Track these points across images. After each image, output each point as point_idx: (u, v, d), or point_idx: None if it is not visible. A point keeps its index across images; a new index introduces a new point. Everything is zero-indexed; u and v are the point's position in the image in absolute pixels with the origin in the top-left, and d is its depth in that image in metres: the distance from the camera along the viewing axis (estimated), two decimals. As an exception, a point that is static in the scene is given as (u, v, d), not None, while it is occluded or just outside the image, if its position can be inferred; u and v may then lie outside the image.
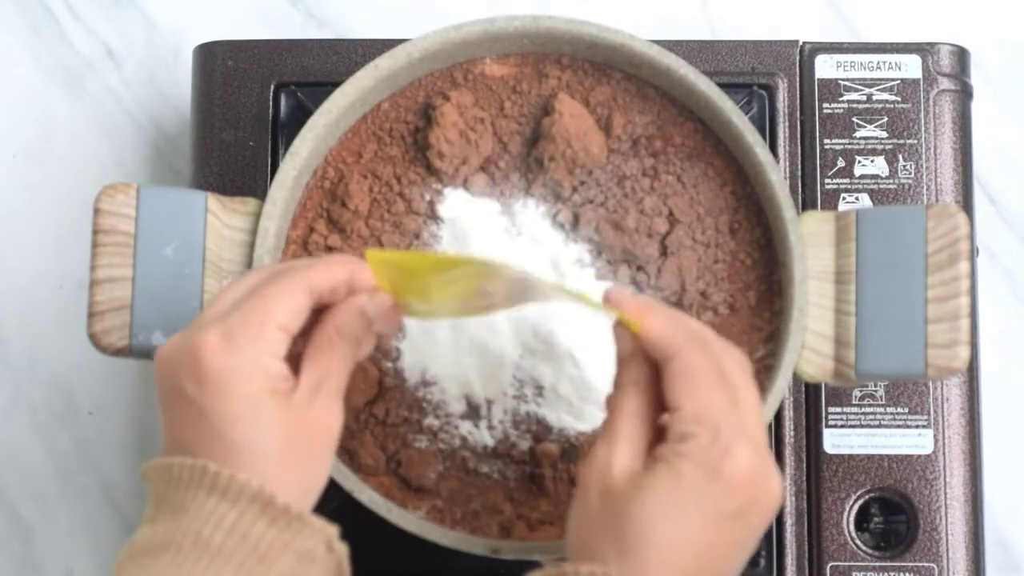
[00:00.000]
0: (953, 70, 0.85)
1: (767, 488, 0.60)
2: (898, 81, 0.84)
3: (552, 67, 0.78)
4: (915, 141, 0.84)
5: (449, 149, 0.76)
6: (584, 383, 0.74)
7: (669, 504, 0.58)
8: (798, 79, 0.85)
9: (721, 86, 0.76)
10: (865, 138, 0.84)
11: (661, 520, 0.58)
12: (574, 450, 0.75)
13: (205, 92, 0.86)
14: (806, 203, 0.84)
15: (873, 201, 0.84)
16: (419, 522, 0.72)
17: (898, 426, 0.82)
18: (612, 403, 0.62)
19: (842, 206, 0.83)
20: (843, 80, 0.84)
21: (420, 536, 0.72)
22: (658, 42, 0.76)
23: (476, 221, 0.77)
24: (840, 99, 0.84)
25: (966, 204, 0.84)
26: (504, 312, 0.74)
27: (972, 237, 0.75)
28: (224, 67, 0.85)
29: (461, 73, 0.78)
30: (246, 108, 0.85)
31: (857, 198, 0.84)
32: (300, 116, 0.81)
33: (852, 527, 0.81)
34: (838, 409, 0.82)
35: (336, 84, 0.76)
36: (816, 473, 0.81)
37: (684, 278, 0.76)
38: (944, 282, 0.71)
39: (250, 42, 0.86)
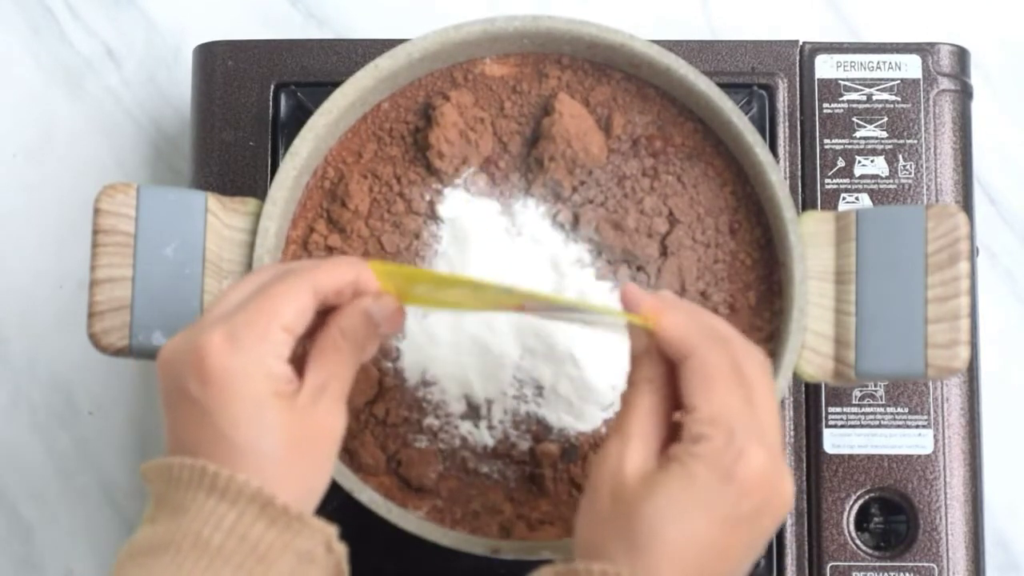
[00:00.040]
0: (953, 70, 0.85)
1: (780, 491, 0.60)
2: (898, 81, 0.84)
3: (552, 67, 0.78)
4: (915, 141, 0.84)
5: (449, 149, 0.76)
6: (584, 383, 0.74)
7: (680, 504, 0.58)
8: (798, 79, 0.85)
9: (721, 86, 0.76)
10: (865, 138, 0.84)
11: (672, 520, 0.58)
12: (574, 450, 0.75)
13: (205, 92, 0.86)
14: (806, 203, 0.84)
15: (873, 201, 0.84)
16: (419, 522, 0.72)
17: (898, 426, 0.82)
18: (626, 400, 0.62)
19: (842, 206, 0.83)
20: (843, 80, 0.84)
21: (420, 536, 0.72)
22: (658, 42, 0.76)
23: (476, 221, 0.77)
24: (840, 99, 0.84)
25: (966, 204, 0.84)
26: (511, 314, 0.74)
27: (972, 237, 0.75)
28: (224, 67, 0.85)
29: (461, 73, 0.78)
30: (246, 108, 0.85)
31: (857, 198, 0.84)
32: (300, 116, 0.81)
33: (852, 527, 0.81)
34: (838, 409, 0.82)
35: (336, 84, 0.76)
36: (816, 473, 0.81)
37: (684, 278, 0.76)
38: (944, 282, 0.71)
39: (250, 42, 0.86)
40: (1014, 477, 0.90)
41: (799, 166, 0.84)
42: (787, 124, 0.84)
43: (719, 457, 0.58)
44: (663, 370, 0.62)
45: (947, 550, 0.81)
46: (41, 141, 0.96)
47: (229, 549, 0.58)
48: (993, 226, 0.94)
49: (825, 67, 0.85)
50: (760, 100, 0.84)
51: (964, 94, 0.85)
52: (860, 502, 0.81)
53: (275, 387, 0.60)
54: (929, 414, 0.82)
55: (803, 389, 0.82)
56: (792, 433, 0.82)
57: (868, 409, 0.82)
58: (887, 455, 0.81)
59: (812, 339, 0.73)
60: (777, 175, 0.75)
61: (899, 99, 0.84)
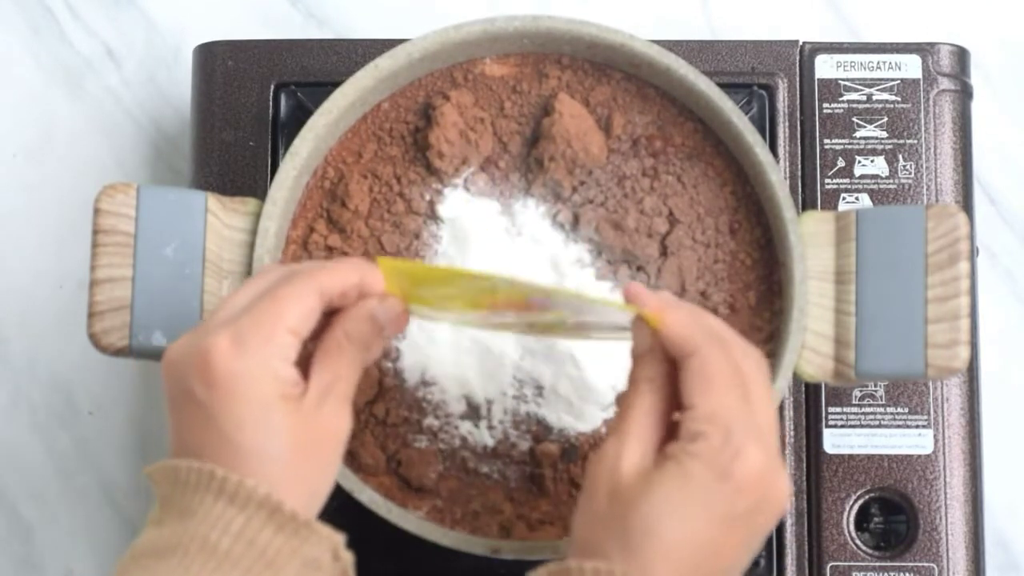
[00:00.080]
0: (953, 70, 0.85)
1: (776, 490, 0.60)
2: (898, 81, 0.84)
3: (552, 67, 0.78)
4: (915, 141, 0.84)
5: (449, 149, 0.76)
6: (584, 383, 0.74)
7: (676, 503, 0.58)
8: (798, 79, 0.85)
9: (721, 86, 0.76)
10: (865, 138, 0.84)
11: (667, 518, 0.58)
12: (574, 450, 0.75)
13: (205, 92, 0.86)
14: (806, 203, 0.84)
15: (873, 201, 0.84)
16: (419, 522, 0.72)
17: (898, 426, 0.82)
18: (625, 399, 0.62)
19: (842, 206, 0.83)
20: (843, 80, 0.84)
21: (420, 536, 0.72)
22: (658, 42, 0.76)
23: (476, 221, 0.77)
24: (840, 99, 0.84)
25: (966, 204, 0.84)
26: (516, 335, 0.74)
27: (972, 237, 0.75)
28: (224, 67, 0.85)
29: (461, 73, 0.78)
30: (246, 108, 0.85)
31: (857, 198, 0.84)
32: (300, 116, 0.81)
33: (852, 527, 0.81)
34: (838, 409, 0.82)
35: (336, 84, 0.76)
36: (816, 473, 0.81)
37: (684, 278, 0.76)
38: (944, 282, 0.71)
39: (250, 42, 0.86)
40: (1014, 477, 0.90)
41: (799, 166, 0.84)
42: (787, 124, 0.84)
43: (716, 456, 0.58)
44: (664, 369, 0.62)
45: (947, 550, 0.81)
46: (41, 141, 0.96)
47: (237, 554, 0.58)
48: (993, 226, 0.94)
49: (825, 67, 0.85)
50: (760, 100, 0.84)
51: (964, 94, 0.85)
52: (860, 502, 0.81)
53: (281, 390, 0.60)
54: (929, 414, 0.82)
55: (803, 389, 0.82)
56: (792, 433, 0.82)
57: (868, 409, 0.82)
58: (887, 455, 0.81)
59: (812, 339, 0.73)
60: (777, 175, 0.75)
61: (899, 99, 0.84)
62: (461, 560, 0.73)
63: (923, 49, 0.85)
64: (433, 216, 0.77)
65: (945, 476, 0.81)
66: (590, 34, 0.76)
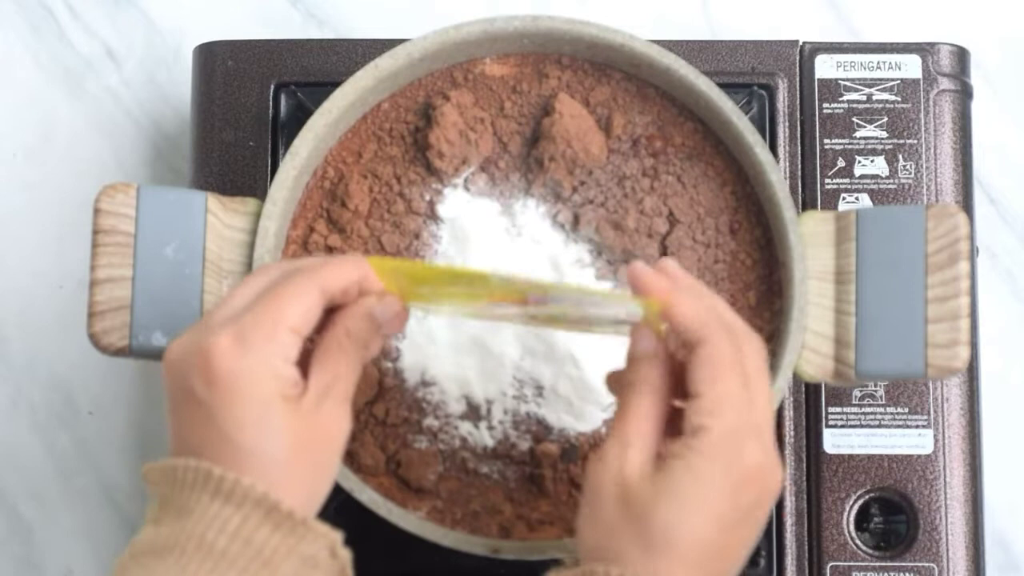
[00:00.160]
0: (953, 70, 0.85)
1: (774, 482, 0.61)
2: (898, 81, 0.84)
3: (552, 67, 0.78)
4: (915, 141, 0.84)
5: (449, 149, 0.76)
6: (584, 383, 0.74)
7: (688, 502, 0.58)
8: (798, 79, 0.85)
9: (721, 86, 0.76)
10: (865, 138, 0.84)
11: (682, 518, 0.58)
12: (574, 450, 0.75)
13: (205, 92, 0.86)
14: (806, 203, 0.84)
15: (873, 201, 0.84)
16: (419, 522, 0.72)
17: (898, 426, 0.82)
18: (623, 402, 0.62)
19: (842, 206, 0.83)
20: (843, 80, 0.84)
21: (420, 536, 0.72)
22: (658, 42, 0.76)
23: (476, 221, 0.77)
24: (840, 99, 0.84)
25: (966, 204, 0.84)
26: (516, 329, 0.74)
27: (972, 237, 0.75)
28: (224, 67, 0.85)
29: (461, 73, 0.78)
30: (246, 108, 0.85)
31: (857, 198, 0.84)
32: (300, 116, 0.81)
33: (852, 527, 0.81)
34: (838, 409, 0.82)
35: (336, 84, 0.76)
36: (816, 473, 0.81)
37: (684, 278, 0.76)
38: (944, 282, 0.71)
39: (250, 42, 0.86)
40: (1014, 477, 0.90)
41: (799, 166, 0.84)
42: (787, 124, 0.84)
43: (719, 451, 0.59)
44: (663, 371, 0.62)
45: (947, 550, 0.81)
46: (41, 141, 0.96)
47: (234, 553, 0.58)
48: (993, 226, 0.94)
49: (825, 67, 0.85)
50: (760, 100, 0.84)
51: (964, 94, 0.85)
52: (860, 502, 0.81)
53: (282, 390, 0.60)
54: (929, 414, 0.82)
55: (803, 389, 0.82)
56: (792, 433, 0.82)
57: (868, 409, 0.82)
58: (887, 455, 0.81)
59: (812, 339, 0.73)
60: (777, 175, 0.75)
61: (899, 99, 0.84)
62: (461, 560, 0.73)
63: (923, 49, 0.85)
64: (433, 216, 0.77)
65: (945, 476, 0.81)
66: (590, 34, 0.76)
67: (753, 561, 0.81)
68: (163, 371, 0.62)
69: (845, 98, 0.84)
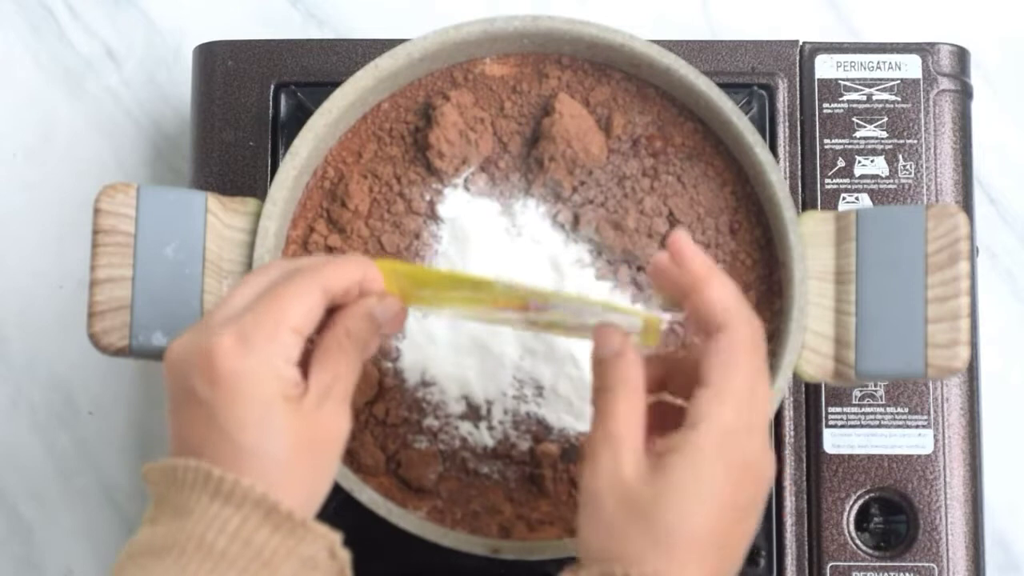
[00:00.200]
0: (953, 70, 0.85)
1: (769, 470, 0.61)
2: (898, 81, 0.84)
3: (552, 67, 0.78)
4: (915, 141, 0.84)
5: (449, 149, 0.76)
6: (584, 383, 0.74)
7: (693, 499, 0.58)
8: (798, 79, 0.85)
9: (721, 86, 0.76)
10: (865, 138, 0.84)
11: (688, 515, 0.58)
12: (574, 450, 0.75)
13: (205, 92, 0.86)
14: (806, 203, 0.84)
15: (873, 201, 0.84)
16: (419, 522, 0.72)
17: (898, 426, 0.82)
18: (603, 404, 0.62)
19: (842, 206, 0.83)
20: (843, 80, 0.84)
21: (420, 536, 0.72)
22: (658, 42, 0.76)
23: (476, 221, 0.77)
24: (840, 99, 0.84)
25: (966, 204, 0.84)
26: (516, 332, 0.74)
27: (972, 237, 0.75)
28: (224, 67, 0.85)
29: (461, 73, 0.78)
30: (246, 108, 0.85)
31: (857, 198, 0.84)
32: (300, 116, 0.81)
33: (852, 527, 0.81)
34: (838, 409, 0.82)
35: (336, 84, 0.76)
36: (816, 473, 0.81)
37: (684, 278, 0.76)
38: (944, 282, 0.71)
39: (250, 42, 0.86)
40: (1014, 477, 0.90)
41: (799, 166, 0.84)
42: (787, 124, 0.84)
43: (720, 447, 0.59)
44: (640, 370, 0.62)
45: (947, 550, 0.81)
46: (41, 141, 0.96)
47: (233, 553, 0.58)
48: (993, 226, 0.94)
49: (825, 67, 0.85)
50: (760, 100, 0.84)
51: (964, 94, 0.85)
52: (860, 502, 0.81)
53: (283, 390, 0.60)
54: (929, 414, 0.82)
55: (803, 389, 0.82)
56: (792, 433, 0.82)
57: (868, 409, 0.82)
58: (887, 455, 0.81)
59: (812, 339, 0.73)
60: (777, 175, 0.75)
61: (899, 99, 0.84)
62: (461, 560, 0.73)
63: (923, 49, 0.85)
64: (433, 216, 0.77)
65: (945, 476, 0.81)
66: (590, 34, 0.76)
67: (753, 561, 0.81)
68: (164, 371, 0.62)
69: (845, 98, 0.84)
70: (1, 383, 0.93)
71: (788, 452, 0.81)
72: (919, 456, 0.81)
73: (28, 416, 0.93)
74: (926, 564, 0.81)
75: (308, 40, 0.88)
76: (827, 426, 0.82)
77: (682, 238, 0.62)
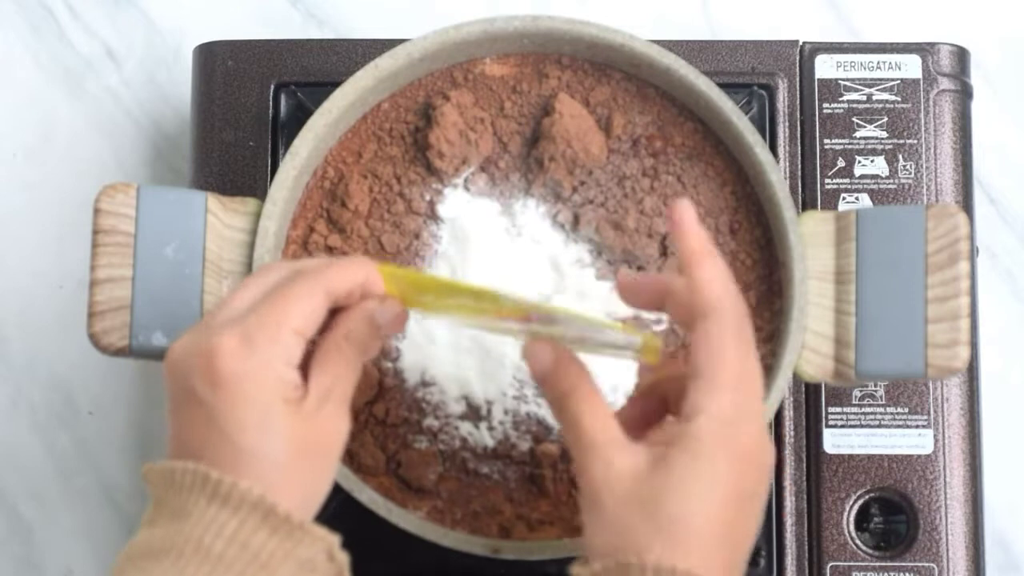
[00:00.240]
0: (953, 70, 0.85)
1: (769, 459, 0.61)
2: (898, 81, 0.84)
3: (552, 67, 0.78)
4: (915, 141, 0.84)
5: (449, 149, 0.76)
6: (584, 383, 0.74)
7: (696, 490, 0.58)
8: (798, 79, 0.85)
9: (721, 86, 0.76)
10: (865, 138, 0.84)
11: (693, 507, 0.58)
12: (574, 450, 0.75)
13: (205, 92, 0.86)
14: (806, 203, 0.84)
15: (873, 201, 0.84)
16: (419, 522, 0.72)
17: (898, 426, 0.82)
18: (564, 417, 0.62)
19: (842, 206, 0.83)
20: (843, 80, 0.84)
21: (420, 536, 0.72)
22: (658, 42, 0.76)
23: (476, 221, 0.77)
24: (840, 99, 0.84)
25: (966, 204, 0.84)
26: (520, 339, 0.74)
27: (972, 237, 0.75)
28: (224, 67, 0.85)
29: (461, 73, 0.78)
30: (246, 108, 0.85)
31: (857, 198, 0.84)
32: (300, 116, 0.81)
33: (852, 527, 0.81)
34: (838, 409, 0.82)
35: (336, 84, 0.76)
36: (816, 473, 0.81)
37: (684, 278, 0.76)
38: (944, 282, 0.71)
39: (250, 42, 0.86)
40: (1014, 477, 0.90)
41: (799, 166, 0.84)
42: (787, 124, 0.84)
43: (719, 437, 0.59)
44: (580, 367, 0.62)
45: (947, 550, 0.81)
46: (41, 141, 0.96)
47: (231, 557, 0.58)
48: (993, 226, 0.94)
49: (825, 67, 0.85)
50: (760, 100, 0.84)
51: (964, 94, 0.85)
52: (860, 502, 0.81)
53: (284, 393, 0.60)
54: (929, 414, 0.82)
55: (803, 389, 0.82)
56: (792, 433, 0.82)
57: (868, 409, 0.82)
58: (887, 455, 0.81)
59: (812, 339, 0.73)
60: (777, 175, 0.75)
61: (899, 99, 0.84)
62: (461, 560, 0.73)
63: (923, 49, 0.85)
64: (433, 216, 0.77)
65: (945, 476, 0.81)
66: (590, 34, 0.76)
67: (753, 561, 0.81)
68: (165, 371, 0.62)
69: (845, 98, 0.84)
70: (1, 383, 0.93)
71: (788, 452, 0.81)
72: (919, 456, 0.81)
73: (28, 416, 0.93)
74: (926, 564, 0.81)
75: (308, 40, 0.88)
76: (827, 426, 0.82)
77: (684, 208, 0.61)
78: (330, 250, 0.76)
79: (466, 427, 0.75)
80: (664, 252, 0.76)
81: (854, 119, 0.84)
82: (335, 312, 0.64)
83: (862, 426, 0.82)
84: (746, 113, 0.80)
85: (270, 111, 0.84)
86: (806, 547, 0.81)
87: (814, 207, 0.83)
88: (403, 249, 0.76)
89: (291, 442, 0.60)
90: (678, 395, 0.62)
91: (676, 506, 0.58)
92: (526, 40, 0.77)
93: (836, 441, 0.82)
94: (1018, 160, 0.95)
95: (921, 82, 0.84)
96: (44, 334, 0.93)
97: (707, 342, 0.60)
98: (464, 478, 0.75)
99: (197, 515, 0.58)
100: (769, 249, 0.76)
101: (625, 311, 0.73)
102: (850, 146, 0.84)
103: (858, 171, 0.84)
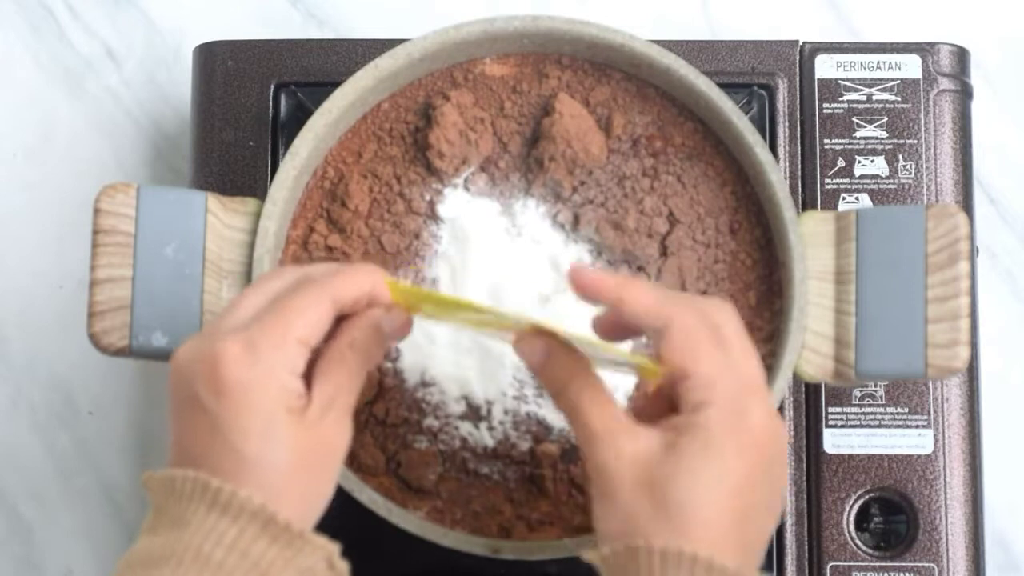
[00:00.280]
0: (953, 70, 0.85)
1: (782, 437, 0.61)
2: (898, 81, 0.84)
3: (552, 67, 0.78)
4: (915, 141, 0.84)
5: (449, 149, 0.76)
6: (584, 383, 0.74)
7: (704, 477, 0.58)
8: (798, 79, 0.85)
9: (721, 86, 0.76)
10: (865, 138, 0.84)
11: (701, 495, 0.58)
12: (574, 450, 0.75)
13: (205, 92, 0.86)
14: (806, 203, 0.84)
15: (873, 201, 0.84)
16: (419, 522, 0.72)
17: (898, 426, 0.82)
18: (566, 407, 0.62)
19: (842, 206, 0.83)
20: (843, 80, 0.84)
21: (420, 536, 0.72)
22: (658, 42, 0.76)
23: (476, 221, 0.77)
24: (840, 99, 0.84)
25: (966, 204, 0.84)
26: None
27: (972, 237, 0.75)
28: (224, 67, 0.85)
29: (461, 73, 0.78)
30: (246, 108, 0.85)
31: (857, 198, 0.84)
32: (300, 116, 0.81)
33: (852, 527, 0.81)
34: (838, 409, 0.82)
35: (336, 84, 0.76)
36: (816, 473, 0.81)
37: (684, 278, 0.76)
38: (944, 282, 0.71)
39: (250, 42, 0.86)
40: (1014, 477, 0.90)
41: (799, 166, 0.84)
42: (787, 124, 0.84)
43: (725, 421, 0.59)
44: (576, 356, 0.62)
45: (947, 550, 0.81)
46: (41, 141, 0.96)
47: (230, 565, 0.57)
48: (993, 226, 0.94)
49: (825, 67, 0.85)
50: (760, 100, 0.84)
51: (964, 94, 0.85)
52: (860, 502, 0.81)
53: (287, 402, 0.60)
54: (929, 414, 0.82)
55: (803, 389, 0.82)
56: (792, 433, 0.82)
57: (868, 409, 0.82)
58: (887, 455, 0.81)
59: (812, 339, 0.73)
60: (777, 175, 0.75)
61: (899, 99, 0.84)
62: (461, 560, 0.73)
63: (923, 49, 0.85)
64: (433, 216, 0.77)
65: (945, 476, 0.81)
66: (590, 34, 0.76)
67: (753, 561, 0.81)
68: (169, 376, 0.61)
69: (845, 98, 0.84)
70: (1, 383, 0.93)
71: (788, 452, 0.81)
72: (919, 456, 0.81)
73: (28, 416, 0.93)
74: (926, 564, 0.81)
75: (308, 40, 0.88)
76: (827, 426, 0.82)
77: (577, 271, 0.62)
78: (330, 250, 0.76)
79: (466, 427, 0.75)
80: (664, 252, 0.76)
81: (854, 119, 0.84)
82: (340, 319, 0.63)
83: (862, 426, 0.82)
84: (746, 113, 0.80)
85: (270, 111, 0.84)
86: (806, 547, 0.81)
87: (814, 207, 0.83)
88: (403, 249, 0.76)
89: (293, 451, 0.60)
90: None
91: (685, 494, 0.58)
92: (526, 40, 0.77)
93: (836, 441, 0.82)
94: (1018, 160, 0.95)
95: (921, 82, 0.84)
96: (44, 334, 0.93)
97: (675, 347, 0.60)
98: (464, 478, 0.75)
99: (197, 523, 0.58)
100: (769, 249, 0.76)
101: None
102: (850, 146, 0.84)
103: (858, 171, 0.84)
